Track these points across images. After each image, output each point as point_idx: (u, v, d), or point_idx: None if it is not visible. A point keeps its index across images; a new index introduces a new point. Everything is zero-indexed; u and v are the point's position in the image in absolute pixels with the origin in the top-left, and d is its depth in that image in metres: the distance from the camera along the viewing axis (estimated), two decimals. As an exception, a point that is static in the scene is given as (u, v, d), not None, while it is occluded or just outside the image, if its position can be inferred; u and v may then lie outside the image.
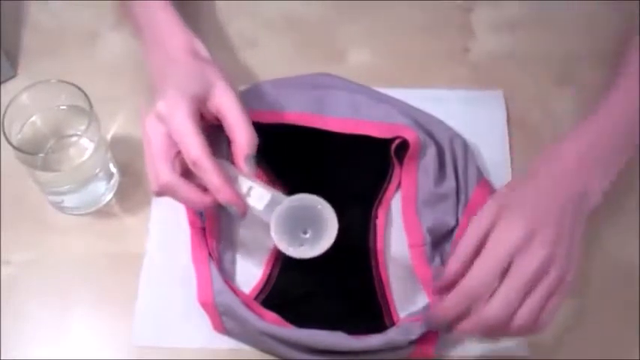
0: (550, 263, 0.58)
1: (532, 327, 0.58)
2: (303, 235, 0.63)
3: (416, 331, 0.63)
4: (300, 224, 0.62)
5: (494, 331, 0.58)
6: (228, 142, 0.63)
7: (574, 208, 0.61)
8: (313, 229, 0.62)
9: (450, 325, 0.59)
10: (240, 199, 0.61)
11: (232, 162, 0.63)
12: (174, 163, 0.61)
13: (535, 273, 0.57)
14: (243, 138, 0.62)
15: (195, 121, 0.61)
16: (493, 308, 0.57)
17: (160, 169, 0.61)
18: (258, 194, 0.62)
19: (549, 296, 0.58)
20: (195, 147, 0.60)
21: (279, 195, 0.63)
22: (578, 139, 0.64)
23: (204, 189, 0.61)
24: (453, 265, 0.60)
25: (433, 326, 0.61)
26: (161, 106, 0.61)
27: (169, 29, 0.68)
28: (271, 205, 0.62)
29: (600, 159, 0.63)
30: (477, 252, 0.59)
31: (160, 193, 0.62)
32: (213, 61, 0.67)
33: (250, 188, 0.62)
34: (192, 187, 0.61)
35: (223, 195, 0.60)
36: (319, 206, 0.62)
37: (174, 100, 0.61)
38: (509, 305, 0.57)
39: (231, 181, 0.61)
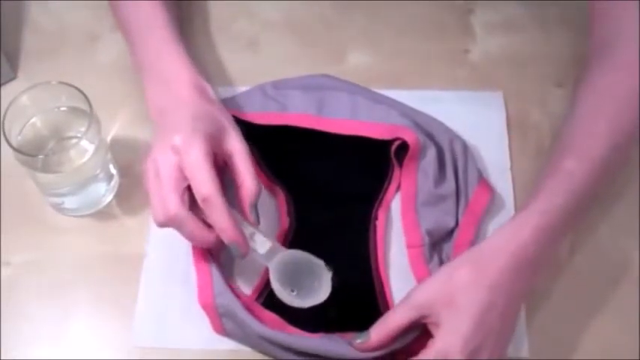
0: None
1: None
2: (302, 284, 0.64)
3: (410, 336, 0.62)
4: (298, 275, 0.64)
5: None
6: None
7: (523, 298, 0.63)
8: (308, 282, 0.64)
9: None
10: (245, 240, 0.62)
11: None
12: (184, 197, 0.61)
13: None
14: (252, 186, 0.63)
15: (209, 159, 0.61)
16: None
17: (169, 200, 0.60)
18: (260, 240, 0.64)
19: None
20: (208, 183, 0.60)
21: (279, 246, 0.64)
22: (534, 220, 0.61)
23: (208, 225, 0.61)
24: (376, 338, 0.61)
25: None
26: (177, 139, 0.61)
27: (176, 65, 0.68)
28: (270, 253, 0.64)
29: (556, 238, 0.63)
30: (403, 331, 0.60)
31: (165, 225, 0.61)
32: (219, 103, 0.67)
33: (253, 234, 0.63)
34: (198, 222, 0.61)
35: (230, 235, 0.61)
36: (319, 264, 0.64)
37: (191, 136, 0.61)
38: None
39: (237, 222, 0.61)
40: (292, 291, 0.63)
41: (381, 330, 0.61)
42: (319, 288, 0.64)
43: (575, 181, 0.63)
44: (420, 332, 0.62)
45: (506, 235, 0.62)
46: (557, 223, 0.62)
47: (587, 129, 0.66)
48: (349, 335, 0.63)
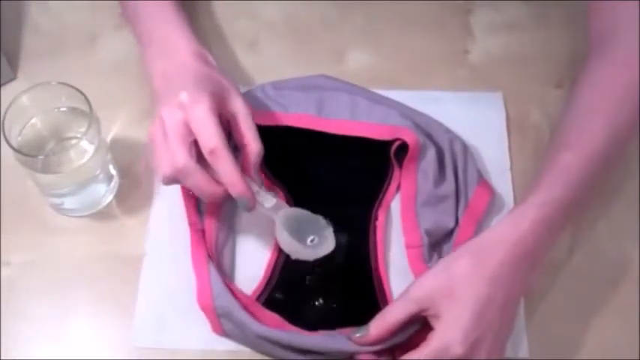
0: None
1: None
2: (308, 241, 0.65)
3: (411, 329, 0.62)
4: (301, 231, 0.64)
5: None
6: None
7: (523, 290, 0.63)
8: (312, 236, 0.65)
9: None
10: (252, 192, 0.62)
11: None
12: (191, 151, 0.61)
13: None
14: (255, 146, 0.64)
15: (215, 113, 0.61)
16: None
17: (177, 153, 0.61)
18: (265, 197, 0.65)
19: None
20: (215, 136, 0.60)
21: (283, 203, 0.65)
22: (532, 213, 0.61)
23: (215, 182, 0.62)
24: (375, 333, 0.61)
25: None
26: (183, 96, 0.61)
27: (177, 35, 0.68)
28: (275, 209, 0.64)
29: (553, 230, 0.63)
30: (403, 326, 0.60)
31: (172, 179, 0.62)
32: (220, 71, 0.67)
33: (257, 192, 0.64)
34: (206, 174, 0.61)
35: (238, 187, 0.61)
36: (320, 219, 0.66)
37: (197, 93, 0.62)
38: None
39: (245, 179, 0.62)
40: (302, 247, 0.64)
41: (381, 324, 0.61)
42: (324, 242, 0.65)
43: (573, 173, 0.63)
44: (420, 326, 0.62)
45: (506, 227, 0.62)
46: (556, 216, 0.62)
47: (584, 122, 0.66)
48: (349, 331, 0.63)
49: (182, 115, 0.61)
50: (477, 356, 0.58)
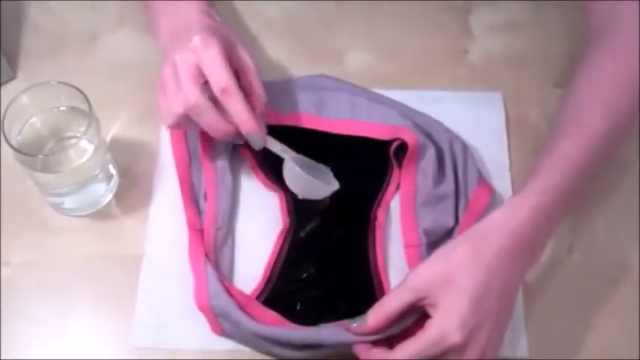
0: (482, 358, 0.59)
1: None
2: (312, 179, 0.68)
3: (410, 319, 0.62)
4: (307, 172, 0.68)
5: None
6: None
7: (521, 279, 0.63)
8: (320, 177, 0.69)
9: None
10: (263, 129, 0.66)
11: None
12: (203, 89, 0.63)
13: None
14: (262, 93, 0.67)
15: (226, 56, 0.64)
16: None
17: (190, 91, 0.63)
18: (271, 142, 0.68)
19: None
20: (227, 76, 0.63)
21: (287, 148, 0.69)
22: (531, 200, 0.61)
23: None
24: (373, 322, 0.61)
25: None
26: (195, 40, 0.63)
27: None
28: (282, 152, 0.68)
29: (552, 219, 0.63)
30: (400, 315, 0.60)
31: (183, 117, 0.64)
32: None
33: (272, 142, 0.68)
34: (218, 112, 0.64)
35: (249, 124, 0.64)
36: (322, 166, 0.70)
37: (208, 38, 0.64)
38: None
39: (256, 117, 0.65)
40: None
41: (378, 314, 0.60)
42: (328, 183, 0.69)
43: (572, 162, 0.63)
44: (418, 316, 0.61)
45: (504, 215, 0.62)
46: (554, 204, 0.62)
47: (583, 112, 0.66)
48: (345, 324, 0.63)
49: (194, 58, 0.63)
50: (475, 344, 0.58)
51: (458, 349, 0.57)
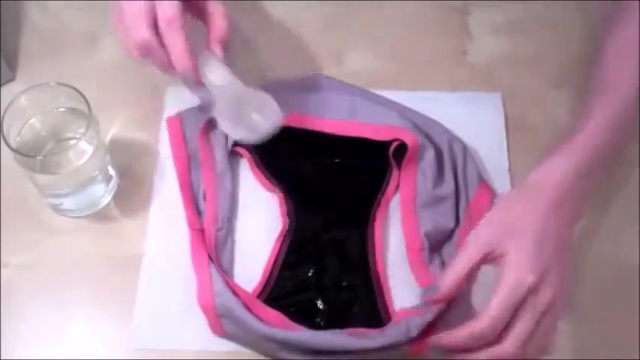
0: (555, 299, 0.60)
1: (540, 355, 0.61)
2: (253, 118, 0.66)
3: (414, 329, 0.63)
4: (245, 111, 0.66)
5: None
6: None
7: (569, 234, 0.64)
8: (255, 117, 0.66)
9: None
10: (194, 71, 0.65)
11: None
12: (153, 25, 0.63)
13: (544, 312, 0.59)
14: (221, 22, 0.66)
15: None
16: (507, 346, 0.59)
17: (139, 27, 0.63)
18: (220, 74, 0.66)
19: (554, 326, 0.61)
20: (174, 7, 0.62)
21: (238, 83, 0.66)
22: (573, 156, 0.64)
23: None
24: (448, 284, 0.62)
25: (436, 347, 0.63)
26: None
27: None
28: (224, 88, 0.66)
29: (592, 177, 0.64)
30: (471, 273, 0.62)
31: (136, 51, 0.64)
32: None
33: (214, 66, 0.66)
34: (164, 50, 0.64)
35: (181, 61, 0.63)
36: (266, 97, 0.66)
37: None
38: (523, 343, 0.59)
39: (191, 53, 0.64)
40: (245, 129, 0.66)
41: (452, 276, 0.62)
42: (267, 119, 0.66)
43: (608, 119, 0.65)
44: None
45: (551, 169, 0.63)
46: (594, 160, 0.64)
47: (617, 71, 0.67)
48: (349, 331, 0.64)
49: None
50: (547, 286, 0.59)
51: (533, 290, 0.59)
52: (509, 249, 0.60)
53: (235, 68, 0.79)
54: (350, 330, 0.64)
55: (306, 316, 0.66)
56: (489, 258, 0.61)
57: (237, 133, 0.67)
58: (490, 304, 0.59)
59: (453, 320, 0.67)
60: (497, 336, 0.59)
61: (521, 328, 0.59)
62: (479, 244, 0.62)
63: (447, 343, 0.61)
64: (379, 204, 0.72)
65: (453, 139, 0.73)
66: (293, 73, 0.77)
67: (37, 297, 0.69)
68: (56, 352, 0.67)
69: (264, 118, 0.66)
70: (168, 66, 0.64)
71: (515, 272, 0.59)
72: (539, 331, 0.59)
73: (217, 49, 0.66)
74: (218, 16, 0.66)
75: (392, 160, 0.72)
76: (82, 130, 0.65)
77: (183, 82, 0.67)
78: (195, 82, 0.65)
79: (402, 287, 0.69)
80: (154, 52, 0.63)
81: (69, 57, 0.81)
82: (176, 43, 0.63)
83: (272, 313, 0.65)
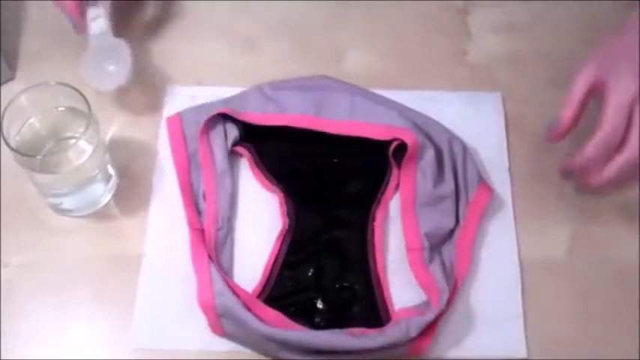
0: None
1: None
2: (109, 68, 0.73)
3: (414, 330, 0.63)
4: (107, 62, 0.72)
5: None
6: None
7: None
8: (111, 66, 0.73)
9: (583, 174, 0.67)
10: (80, 19, 0.73)
11: None
12: None
13: None
14: None
15: None
16: (632, 149, 0.64)
17: None
18: (100, 25, 0.73)
19: None
20: None
21: (111, 36, 0.73)
22: None
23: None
24: (567, 113, 0.66)
25: (568, 169, 0.70)
26: None
27: None
28: (100, 38, 0.73)
29: None
30: (586, 101, 0.66)
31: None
32: None
33: (98, 16, 0.73)
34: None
35: (69, 8, 0.72)
36: (123, 44, 0.73)
37: None
38: None
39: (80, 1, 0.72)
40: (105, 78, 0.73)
41: (568, 104, 0.66)
42: (121, 68, 0.72)
43: None
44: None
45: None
46: None
47: None
48: (349, 331, 0.64)
49: None
50: None
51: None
52: (610, 75, 0.65)
53: (236, 68, 0.80)
54: (350, 330, 0.64)
55: (306, 316, 0.67)
56: (599, 84, 0.65)
57: (92, 80, 0.72)
58: (603, 115, 0.64)
59: (453, 320, 0.67)
60: (619, 146, 0.64)
61: (638, 131, 0.63)
62: (584, 76, 0.66)
63: (579, 161, 0.65)
64: (379, 204, 0.72)
65: (452, 138, 0.73)
66: (293, 73, 0.77)
67: (37, 297, 0.69)
68: (56, 352, 0.67)
69: (118, 70, 0.72)
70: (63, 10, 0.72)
71: (621, 85, 0.64)
72: None
73: (106, 3, 0.73)
74: None
75: (392, 160, 0.72)
76: (82, 130, 0.65)
77: (72, 26, 0.74)
78: (79, 27, 0.73)
79: (402, 287, 0.69)
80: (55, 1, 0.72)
81: (69, 56, 0.80)
82: None
83: (272, 313, 0.65)
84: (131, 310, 0.68)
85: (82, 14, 0.73)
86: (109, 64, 0.72)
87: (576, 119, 0.67)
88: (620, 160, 0.64)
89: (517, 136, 0.77)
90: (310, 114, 0.73)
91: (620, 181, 0.66)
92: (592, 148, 0.64)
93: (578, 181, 0.71)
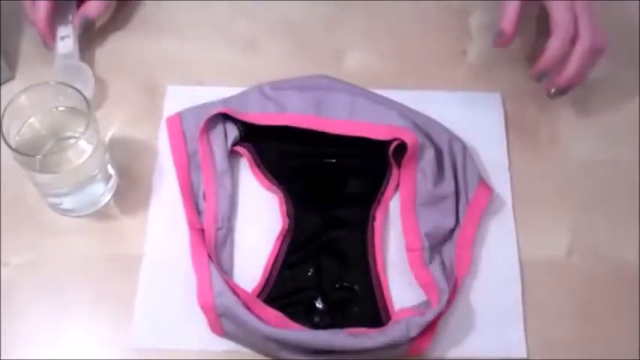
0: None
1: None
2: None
3: (414, 330, 0.63)
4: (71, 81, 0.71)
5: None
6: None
7: None
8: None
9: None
10: (49, 37, 0.76)
11: None
12: None
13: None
14: (95, 3, 0.78)
15: None
16: (586, 38, 0.69)
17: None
18: (67, 45, 0.77)
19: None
20: None
21: (76, 57, 0.76)
22: None
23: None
24: (507, 25, 0.70)
25: (539, 72, 0.72)
26: None
27: None
28: (66, 57, 0.76)
29: None
30: (522, 11, 0.70)
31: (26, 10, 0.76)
32: None
33: (67, 36, 0.77)
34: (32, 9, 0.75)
35: (39, 24, 0.75)
36: (85, 69, 0.76)
37: None
38: (593, 32, 0.69)
39: (52, 20, 0.76)
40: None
41: (506, 13, 0.70)
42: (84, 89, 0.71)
43: None
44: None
45: None
46: None
47: None
48: (349, 331, 0.64)
49: None
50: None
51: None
52: None
53: (236, 68, 0.80)
54: (350, 330, 0.64)
55: (306, 316, 0.67)
56: None
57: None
58: (552, 20, 0.69)
59: (453, 320, 0.67)
60: (573, 42, 0.69)
61: (584, 21, 0.68)
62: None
63: (547, 59, 0.70)
64: (379, 204, 0.72)
65: (452, 138, 0.73)
66: (293, 73, 0.77)
67: (36, 296, 0.69)
68: (56, 352, 0.67)
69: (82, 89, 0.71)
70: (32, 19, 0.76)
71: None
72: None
73: (76, 23, 0.77)
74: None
75: (392, 160, 0.72)
76: (82, 129, 0.65)
77: (43, 43, 0.76)
78: (47, 44, 0.76)
79: (402, 287, 0.69)
80: (28, 15, 0.76)
81: (68, 56, 0.81)
82: (40, 9, 0.74)
83: (272, 313, 0.65)
84: (131, 310, 0.68)
85: (52, 32, 0.76)
86: (74, 82, 0.70)
87: (517, 25, 0.71)
88: (579, 50, 0.69)
89: (517, 136, 0.77)
90: (310, 114, 0.73)
91: (583, 74, 0.71)
92: (555, 43, 0.69)
93: (547, 89, 0.73)
